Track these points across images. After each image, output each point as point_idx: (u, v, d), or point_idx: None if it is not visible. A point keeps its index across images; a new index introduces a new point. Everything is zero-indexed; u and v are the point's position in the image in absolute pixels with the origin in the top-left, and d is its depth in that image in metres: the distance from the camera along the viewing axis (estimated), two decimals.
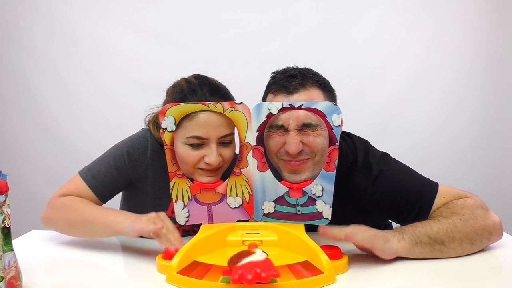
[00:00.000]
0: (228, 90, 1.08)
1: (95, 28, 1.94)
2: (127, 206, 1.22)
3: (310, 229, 0.95)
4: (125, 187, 1.15)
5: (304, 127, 0.98)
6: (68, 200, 1.07)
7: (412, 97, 1.98)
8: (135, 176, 1.12)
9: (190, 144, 0.99)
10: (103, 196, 1.11)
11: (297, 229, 0.92)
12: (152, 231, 0.90)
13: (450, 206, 0.99)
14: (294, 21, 1.95)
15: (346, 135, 1.17)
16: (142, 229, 0.91)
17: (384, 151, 1.16)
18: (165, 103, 1.08)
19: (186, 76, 1.11)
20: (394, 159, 1.14)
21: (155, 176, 1.12)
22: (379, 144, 1.20)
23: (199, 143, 0.98)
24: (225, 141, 1.01)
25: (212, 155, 0.98)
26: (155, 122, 1.13)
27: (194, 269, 0.82)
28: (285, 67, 1.09)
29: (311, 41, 1.94)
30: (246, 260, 0.73)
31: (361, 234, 0.87)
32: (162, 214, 0.95)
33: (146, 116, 1.19)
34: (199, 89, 1.03)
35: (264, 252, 0.76)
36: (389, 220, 1.23)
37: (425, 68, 1.97)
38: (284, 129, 0.99)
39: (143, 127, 1.20)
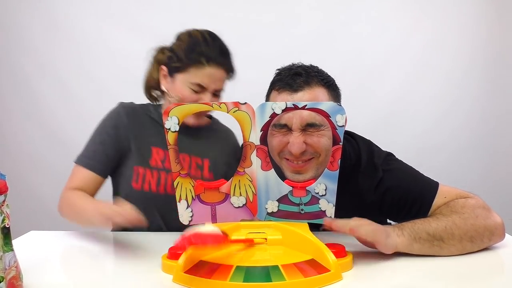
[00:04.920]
0: (231, 54, 1.27)
1: (96, 28, 1.93)
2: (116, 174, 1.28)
3: (313, 228, 0.96)
4: (116, 156, 1.25)
5: (308, 126, 0.98)
6: (71, 194, 1.19)
7: (411, 96, 1.99)
8: (120, 142, 1.25)
9: (191, 89, 1.20)
10: (100, 171, 1.23)
11: (302, 228, 0.93)
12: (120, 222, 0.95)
13: (450, 205, 1.00)
14: (294, 21, 1.95)
15: (349, 135, 1.17)
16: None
17: (388, 151, 1.17)
18: (173, 46, 1.27)
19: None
20: (397, 159, 1.15)
21: (135, 134, 1.25)
22: (378, 142, 1.21)
23: (198, 90, 1.20)
24: (217, 94, 1.24)
25: (206, 100, 1.19)
26: (157, 59, 1.31)
27: (201, 268, 0.82)
28: (290, 64, 1.09)
29: (312, 41, 1.94)
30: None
31: (364, 228, 0.87)
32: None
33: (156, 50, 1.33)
34: (212, 46, 1.22)
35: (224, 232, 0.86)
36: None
37: (424, 67, 1.99)
38: (287, 128, 0.99)
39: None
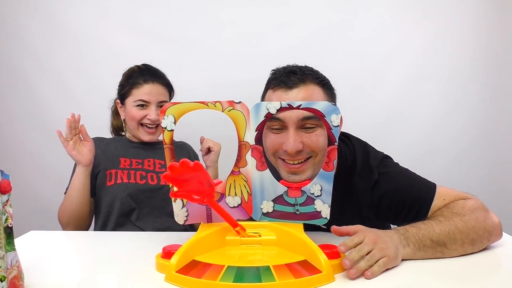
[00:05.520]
0: (165, 74, 1.54)
1: (96, 28, 1.93)
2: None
3: (309, 228, 0.96)
4: (94, 179, 1.45)
5: (305, 120, 0.98)
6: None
7: (411, 97, 1.97)
8: (94, 169, 1.43)
9: (137, 106, 1.46)
10: None
11: (296, 229, 0.92)
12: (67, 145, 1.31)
13: (450, 206, 0.99)
14: (294, 21, 1.94)
15: (345, 137, 1.17)
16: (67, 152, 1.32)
17: (384, 152, 1.16)
18: (121, 82, 1.53)
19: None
20: (394, 162, 1.14)
21: (106, 154, 1.48)
22: (379, 144, 1.20)
23: (143, 104, 1.47)
24: (161, 105, 1.43)
25: (152, 114, 1.46)
26: (115, 109, 1.60)
27: (193, 268, 0.82)
28: (285, 65, 1.10)
29: (312, 41, 1.93)
30: None
31: (377, 266, 0.82)
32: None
33: (112, 106, 1.61)
34: (146, 71, 1.50)
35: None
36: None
37: (425, 68, 1.96)
38: (281, 122, 0.98)
39: None
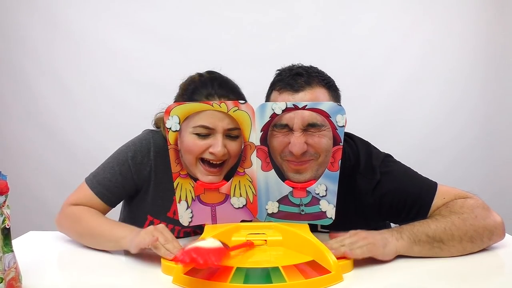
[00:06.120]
0: (237, 85, 1.11)
1: (95, 28, 1.93)
2: (128, 206, 1.21)
3: (313, 229, 0.96)
4: (132, 191, 1.13)
5: (309, 126, 0.98)
6: (78, 210, 1.07)
7: (412, 97, 1.98)
8: (140, 179, 1.12)
9: (197, 134, 0.99)
10: (110, 202, 1.11)
11: (302, 229, 0.92)
12: (149, 243, 0.88)
13: (449, 205, 0.99)
14: (294, 21, 1.94)
15: (348, 137, 1.16)
16: (140, 243, 0.90)
17: (386, 152, 1.16)
18: (176, 97, 1.10)
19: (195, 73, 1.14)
20: (396, 160, 1.14)
21: (158, 177, 1.12)
22: (379, 144, 1.20)
23: (206, 133, 0.98)
24: (232, 135, 1.00)
25: (217, 145, 0.97)
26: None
27: (201, 270, 0.81)
28: (290, 65, 1.09)
29: (312, 41, 1.93)
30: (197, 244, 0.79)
31: (358, 247, 0.85)
32: (160, 226, 0.94)
33: (156, 115, 1.19)
34: (209, 82, 1.06)
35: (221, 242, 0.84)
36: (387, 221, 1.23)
37: (425, 68, 1.97)
38: (288, 128, 0.98)
39: (145, 128, 1.20)
